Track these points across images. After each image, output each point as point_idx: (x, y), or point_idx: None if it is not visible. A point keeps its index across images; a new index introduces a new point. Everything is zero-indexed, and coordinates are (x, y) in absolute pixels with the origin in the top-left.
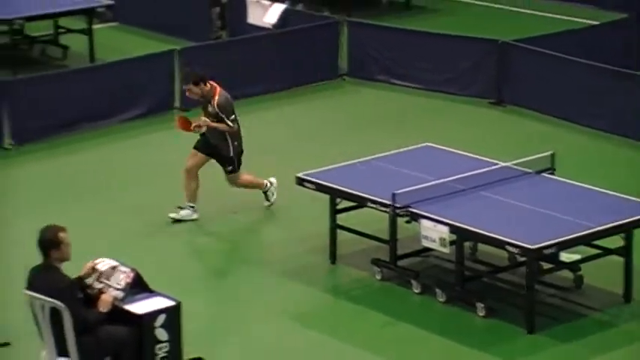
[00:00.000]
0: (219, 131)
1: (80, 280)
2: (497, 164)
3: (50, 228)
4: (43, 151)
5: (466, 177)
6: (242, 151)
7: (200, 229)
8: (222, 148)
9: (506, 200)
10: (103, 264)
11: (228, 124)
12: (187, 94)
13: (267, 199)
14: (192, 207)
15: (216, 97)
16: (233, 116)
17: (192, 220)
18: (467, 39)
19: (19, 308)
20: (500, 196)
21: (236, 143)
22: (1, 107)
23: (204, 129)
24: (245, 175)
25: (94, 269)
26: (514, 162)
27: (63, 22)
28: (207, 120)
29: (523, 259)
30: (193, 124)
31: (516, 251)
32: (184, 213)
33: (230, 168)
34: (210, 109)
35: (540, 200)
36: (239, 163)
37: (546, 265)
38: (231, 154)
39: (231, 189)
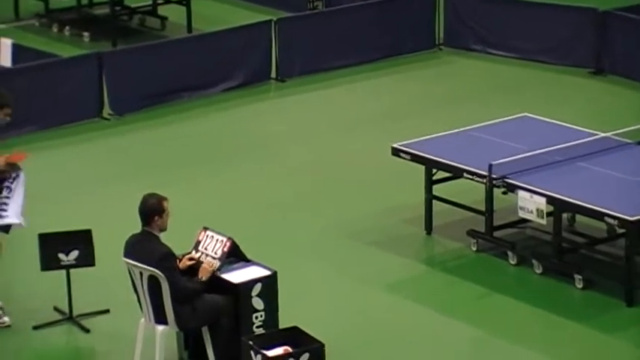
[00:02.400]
0: None
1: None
2: (596, 134)
3: (154, 196)
4: (142, 121)
5: (564, 148)
6: None
7: (298, 205)
8: None
9: (605, 171)
10: (203, 234)
11: None
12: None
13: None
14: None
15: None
16: None
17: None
18: (566, 7)
19: (119, 276)
20: (599, 166)
21: None
22: (101, 78)
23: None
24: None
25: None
26: (613, 132)
27: None
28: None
29: (622, 230)
30: None
31: (615, 223)
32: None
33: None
34: None
35: None
36: None
37: None
38: None
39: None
